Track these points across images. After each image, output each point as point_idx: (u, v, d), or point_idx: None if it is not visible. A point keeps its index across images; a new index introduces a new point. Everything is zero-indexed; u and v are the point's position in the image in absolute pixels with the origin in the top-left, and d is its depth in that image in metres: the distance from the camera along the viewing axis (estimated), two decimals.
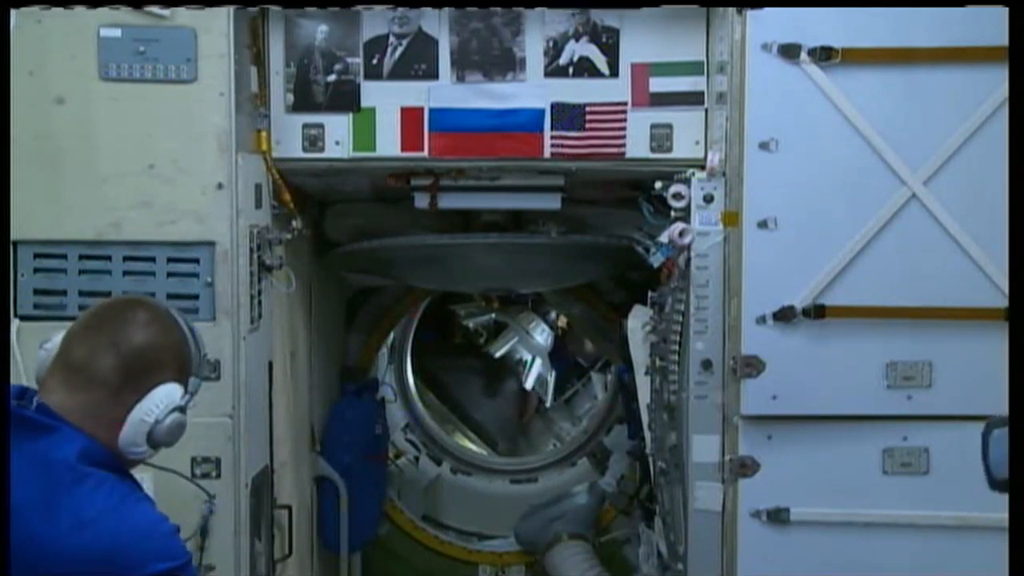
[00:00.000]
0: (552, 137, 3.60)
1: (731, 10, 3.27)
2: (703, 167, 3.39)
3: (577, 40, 3.57)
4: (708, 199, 3.35)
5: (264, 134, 3.57)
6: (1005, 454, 1.99)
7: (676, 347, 3.48)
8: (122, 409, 2.33)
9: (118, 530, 2.17)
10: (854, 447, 3.29)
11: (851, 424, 3.29)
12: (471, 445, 6.85)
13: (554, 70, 3.58)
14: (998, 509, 2.91)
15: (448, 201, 3.94)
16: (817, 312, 3.21)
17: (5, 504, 2.15)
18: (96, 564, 2.14)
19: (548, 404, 7.64)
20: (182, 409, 2.40)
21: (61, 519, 2.15)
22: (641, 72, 3.56)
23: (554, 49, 3.57)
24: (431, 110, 3.60)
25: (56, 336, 2.44)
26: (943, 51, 3.17)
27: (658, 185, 3.45)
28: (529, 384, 7.58)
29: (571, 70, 3.57)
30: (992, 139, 3.14)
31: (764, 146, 3.21)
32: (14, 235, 3.29)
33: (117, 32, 3.30)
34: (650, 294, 3.80)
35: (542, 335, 7.65)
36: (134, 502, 2.27)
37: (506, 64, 3.58)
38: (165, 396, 2.36)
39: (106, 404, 2.32)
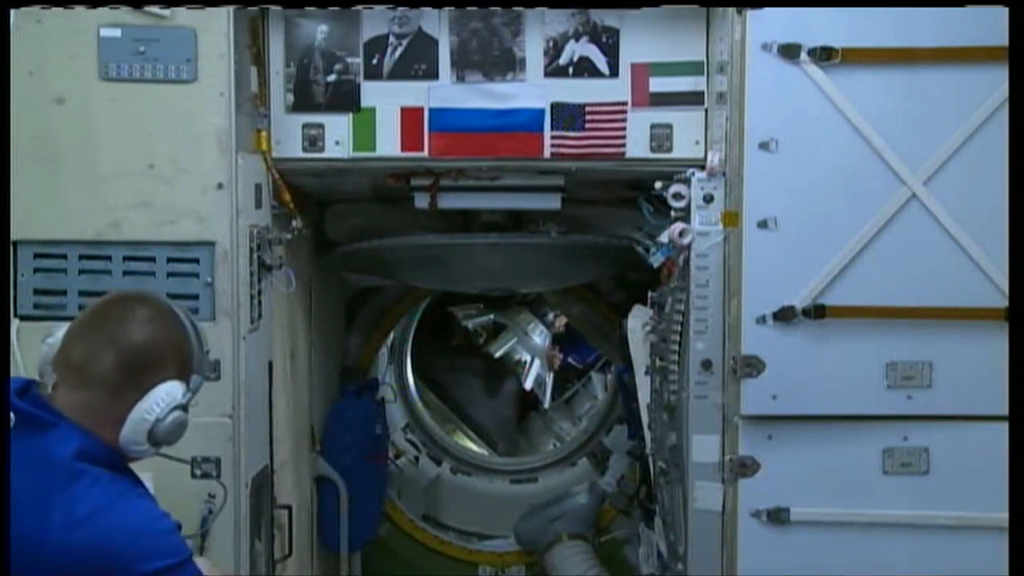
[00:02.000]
0: (552, 137, 3.60)
1: (731, 10, 3.27)
2: (703, 167, 3.39)
3: (577, 40, 3.57)
4: (708, 199, 3.35)
5: (264, 134, 3.57)
6: None
7: (676, 347, 3.48)
8: (123, 407, 2.31)
9: (113, 527, 2.16)
10: (854, 447, 3.28)
11: (851, 424, 3.29)
12: (471, 445, 6.85)
13: (554, 70, 3.58)
14: (998, 509, 2.92)
15: (448, 201, 3.94)
16: (817, 312, 3.21)
17: (5, 503, 2.15)
18: (91, 561, 2.13)
19: (546, 405, 7.64)
20: (184, 407, 2.39)
21: (54, 517, 2.14)
22: (641, 72, 3.56)
23: (554, 49, 3.57)
24: (431, 110, 3.60)
25: (58, 330, 2.42)
26: (943, 51, 3.17)
27: (658, 185, 3.45)
28: (528, 384, 7.58)
29: (571, 70, 3.57)
30: (992, 139, 3.14)
31: (764, 146, 3.21)
32: (14, 235, 3.29)
33: (117, 32, 3.30)
34: (650, 294, 3.80)
35: (540, 336, 7.64)
36: (131, 499, 2.25)
37: (506, 64, 3.58)
38: (166, 394, 2.34)
39: (106, 402, 2.31)
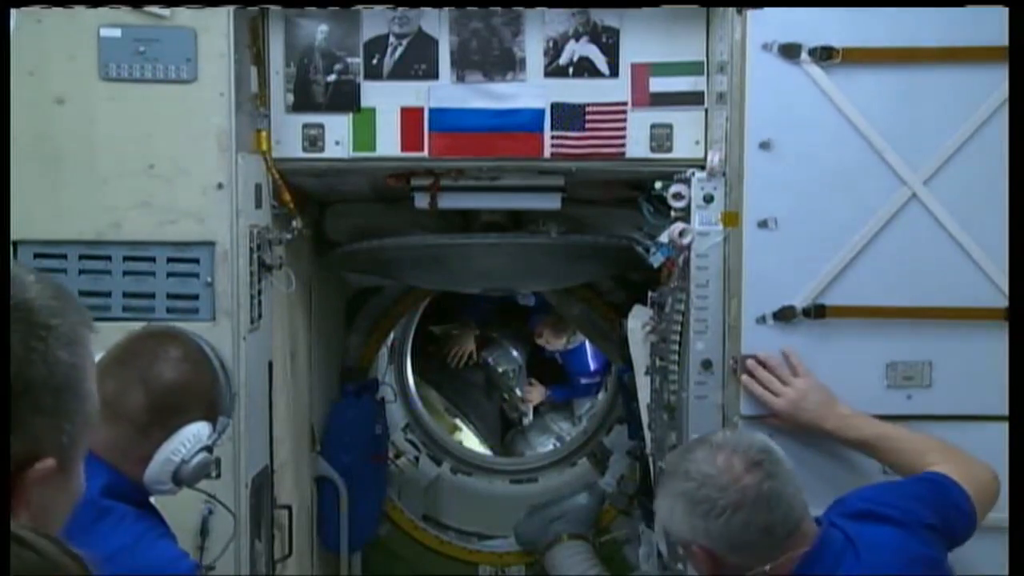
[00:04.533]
0: (552, 137, 3.60)
1: (731, 10, 3.27)
2: (703, 167, 3.39)
3: (577, 40, 3.56)
4: (708, 199, 3.34)
5: (264, 134, 3.57)
6: None
7: (676, 347, 3.48)
8: (149, 446, 2.32)
9: (134, 568, 2.17)
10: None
11: None
12: (471, 445, 6.85)
13: (554, 70, 3.57)
14: (998, 509, 2.92)
15: (448, 201, 3.93)
16: (817, 312, 3.21)
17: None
18: None
19: (529, 420, 7.61)
20: (209, 449, 2.39)
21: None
22: (641, 72, 3.56)
23: (554, 49, 3.56)
24: (431, 110, 3.59)
25: None
26: (943, 51, 3.17)
27: (658, 185, 3.45)
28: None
29: (571, 70, 3.57)
30: (992, 139, 3.14)
31: (764, 146, 3.21)
32: (14, 235, 3.29)
33: (117, 32, 3.30)
34: (650, 294, 3.80)
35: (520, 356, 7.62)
36: (152, 540, 2.26)
37: (506, 64, 3.58)
38: (193, 436, 2.35)
39: (133, 440, 2.32)
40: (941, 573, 2.65)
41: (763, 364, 3.18)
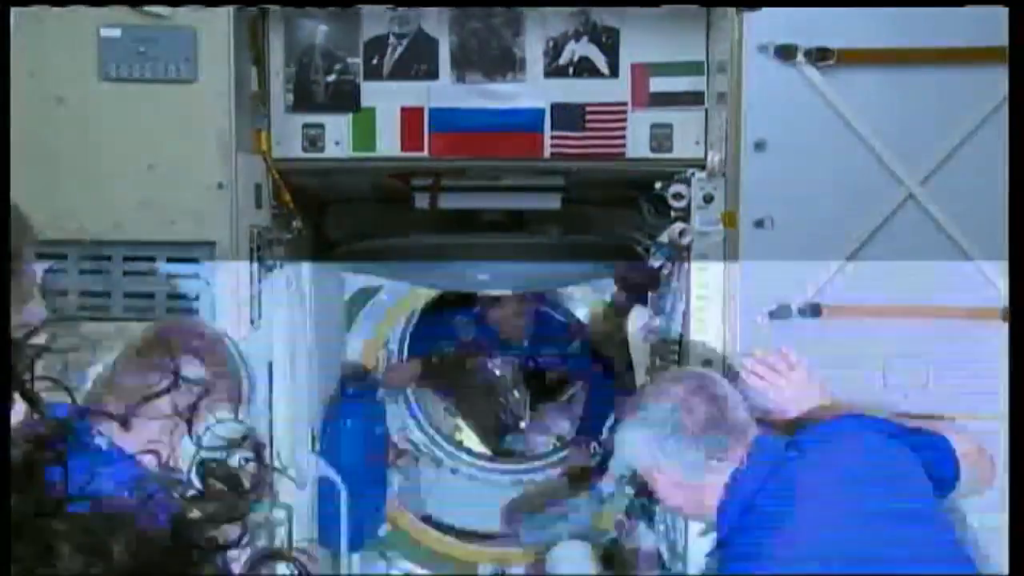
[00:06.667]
0: (552, 137, 3.60)
1: (731, 10, 3.27)
2: (703, 167, 3.39)
3: (577, 40, 3.57)
4: (708, 199, 3.35)
5: (264, 134, 3.57)
6: None
7: (676, 347, 3.48)
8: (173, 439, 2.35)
9: None
10: None
11: None
12: (472, 445, 6.85)
13: (554, 70, 3.58)
14: (999, 509, 2.92)
15: (448, 201, 3.94)
16: (813, 311, 3.21)
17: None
18: None
19: (525, 423, 7.60)
20: None
21: None
22: (641, 72, 3.56)
23: (554, 49, 3.57)
24: (431, 110, 3.60)
25: (105, 356, 2.45)
26: (942, 51, 3.17)
27: (658, 185, 3.46)
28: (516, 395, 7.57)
29: (571, 70, 3.57)
30: (989, 139, 3.14)
31: (760, 146, 3.21)
32: None
33: (117, 32, 3.30)
34: (650, 294, 3.80)
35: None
36: None
37: (506, 64, 3.58)
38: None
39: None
40: (906, 463, 2.65)
41: (759, 362, 3.18)
